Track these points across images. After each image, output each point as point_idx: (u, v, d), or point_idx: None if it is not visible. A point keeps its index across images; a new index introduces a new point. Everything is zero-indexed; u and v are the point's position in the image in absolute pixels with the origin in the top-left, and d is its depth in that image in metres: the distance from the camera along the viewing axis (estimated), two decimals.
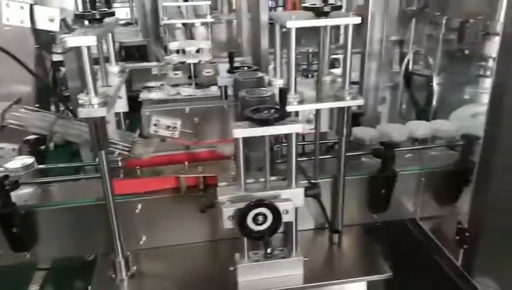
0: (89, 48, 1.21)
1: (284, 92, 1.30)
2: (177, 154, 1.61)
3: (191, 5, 4.20)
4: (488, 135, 1.32)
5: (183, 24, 3.99)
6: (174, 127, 1.49)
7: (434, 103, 2.16)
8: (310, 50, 4.25)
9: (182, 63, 3.60)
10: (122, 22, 6.90)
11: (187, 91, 3.54)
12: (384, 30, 2.19)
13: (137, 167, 1.56)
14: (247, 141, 1.34)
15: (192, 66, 3.58)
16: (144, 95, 3.56)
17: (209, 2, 3.88)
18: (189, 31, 4.10)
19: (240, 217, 1.27)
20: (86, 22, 1.35)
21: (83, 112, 1.25)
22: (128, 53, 5.59)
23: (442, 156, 1.83)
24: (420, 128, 1.88)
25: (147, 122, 1.49)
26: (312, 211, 1.71)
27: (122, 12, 7.19)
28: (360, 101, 1.49)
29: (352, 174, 1.69)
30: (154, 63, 4.17)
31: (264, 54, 2.85)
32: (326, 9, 1.35)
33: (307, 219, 1.72)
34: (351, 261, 1.59)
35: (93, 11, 1.36)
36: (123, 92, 1.55)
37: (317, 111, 1.56)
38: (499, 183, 1.32)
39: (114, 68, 1.56)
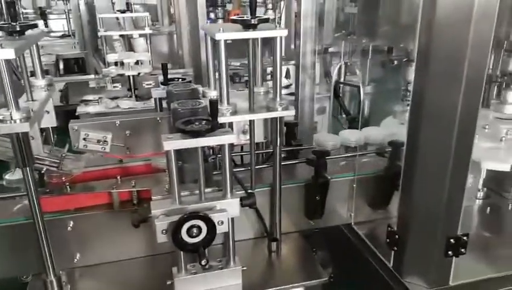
0: (8, 61, 1.16)
1: (214, 104, 1.30)
2: (110, 168, 1.56)
3: (129, 16, 4.13)
4: (410, 143, 1.39)
5: (122, 36, 3.92)
6: (105, 141, 1.45)
7: (364, 111, 2.25)
8: None
9: (121, 75, 3.53)
10: (59, 34, 6.69)
11: (127, 104, 3.47)
12: (316, 42, 2.26)
13: (67, 183, 1.50)
14: (180, 153, 1.34)
15: (131, 78, 3.51)
16: (81, 109, 3.45)
17: (148, 14, 3.83)
18: (128, 43, 4.04)
19: (174, 230, 1.25)
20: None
21: (3, 128, 1.19)
22: (66, 66, 5.42)
23: (374, 162, 1.91)
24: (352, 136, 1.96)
25: (75, 136, 1.44)
26: (251, 220, 1.72)
27: (59, 24, 6.96)
28: (291, 112, 1.53)
29: (289, 182, 1.72)
30: (92, 76, 4.06)
31: (205, 66, 2.86)
32: (254, 21, 1.38)
33: (246, 229, 1.73)
34: (289, 268, 1.61)
35: (14, 23, 1.30)
36: (50, 106, 1.49)
37: (251, 122, 1.58)
38: (421, 187, 1.39)
39: (40, 82, 1.50)
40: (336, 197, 1.79)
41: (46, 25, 6.58)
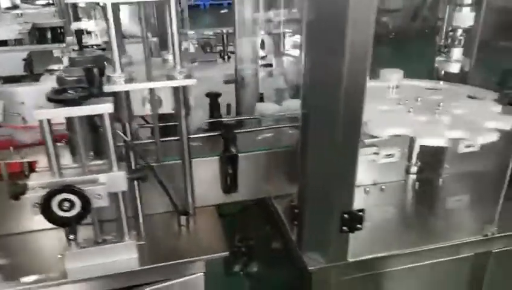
0: None
1: (90, 71, 1.24)
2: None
3: None
4: (304, 115, 1.32)
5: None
6: None
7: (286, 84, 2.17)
8: (225, 31, 4.22)
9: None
10: (43, 3, 6.58)
11: None
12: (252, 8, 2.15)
13: None
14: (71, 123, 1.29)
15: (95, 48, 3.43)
16: (45, 78, 3.39)
17: None
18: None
19: (43, 203, 1.21)
20: None
21: None
22: (41, 35, 5.34)
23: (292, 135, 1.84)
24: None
25: None
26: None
27: None
28: (192, 81, 1.46)
29: (203, 155, 1.67)
30: (56, 45, 3.97)
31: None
32: None
33: (158, 202, 1.68)
34: (192, 242, 1.57)
35: None
36: None
37: (151, 91, 1.51)
38: (314, 161, 1.32)
39: None
40: (254, 170, 1.73)
41: None
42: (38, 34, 5.16)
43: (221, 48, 4.03)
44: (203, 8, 15.52)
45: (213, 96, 1.86)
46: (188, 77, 1.45)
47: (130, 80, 1.41)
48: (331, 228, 1.37)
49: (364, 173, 1.83)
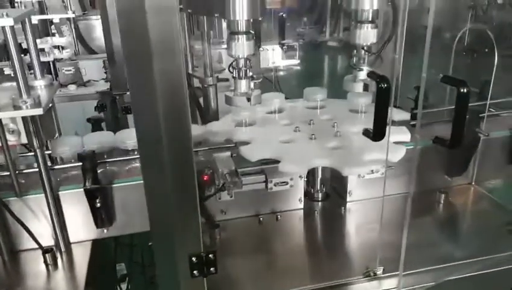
0: None
1: None
2: None
3: None
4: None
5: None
6: None
7: None
8: None
9: None
10: None
11: None
12: None
13: None
14: None
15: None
16: None
17: None
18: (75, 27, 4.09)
19: None
20: None
21: None
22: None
23: None
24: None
25: None
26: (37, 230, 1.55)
27: None
28: (38, 110, 1.34)
29: (69, 187, 1.55)
30: (6, 62, 3.89)
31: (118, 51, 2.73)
32: None
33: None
34: (51, 284, 1.44)
35: None
36: None
37: None
38: (151, 195, 1.16)
39: None
40: (135, 201, 1.60)
41: None
42: None
43: None
44: None
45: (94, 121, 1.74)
46: (36, 106, 1.34)
47: None
48: (181, 272, 1.22)
49: (259, 201, 1.69)
